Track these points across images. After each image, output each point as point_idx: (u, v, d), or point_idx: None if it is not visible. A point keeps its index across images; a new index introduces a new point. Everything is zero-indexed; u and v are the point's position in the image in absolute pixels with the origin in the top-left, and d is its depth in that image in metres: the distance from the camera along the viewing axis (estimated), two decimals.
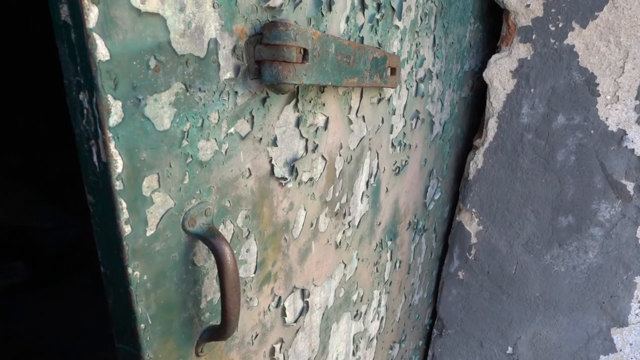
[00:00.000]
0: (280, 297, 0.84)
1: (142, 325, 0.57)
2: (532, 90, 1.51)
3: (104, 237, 0.53)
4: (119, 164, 0.49)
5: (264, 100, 0.67)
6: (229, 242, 0.65)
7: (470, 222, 1.73)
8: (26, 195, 2.93)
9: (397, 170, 1.23)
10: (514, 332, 1.77)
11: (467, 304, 1.84)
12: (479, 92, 1.77)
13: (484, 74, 1.57)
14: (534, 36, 1.47)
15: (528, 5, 1.45)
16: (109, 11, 0.44)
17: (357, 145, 0.99)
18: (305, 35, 0.62)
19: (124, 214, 0.51)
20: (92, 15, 0.43)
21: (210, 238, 0.60)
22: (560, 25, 1.42)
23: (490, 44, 1.73)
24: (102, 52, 0.44)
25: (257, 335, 0.81)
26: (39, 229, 2.93)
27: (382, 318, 1.44)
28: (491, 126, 1.60)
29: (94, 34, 0.43)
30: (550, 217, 1.59)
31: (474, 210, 1.71)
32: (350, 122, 0.93)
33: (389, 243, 1.33)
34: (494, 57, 1.55)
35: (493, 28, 1.70)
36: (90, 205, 0.52)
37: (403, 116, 1.17)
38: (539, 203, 1.59)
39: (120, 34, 0.45)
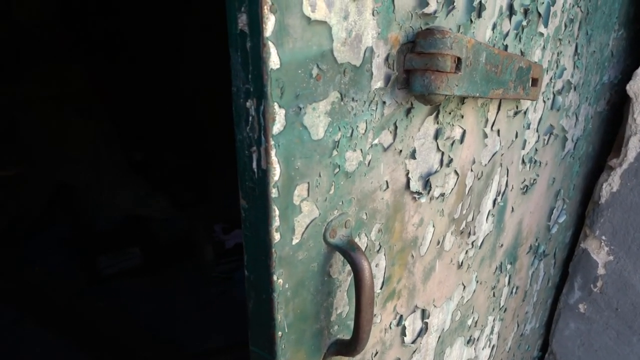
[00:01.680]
0: (401, 316, 0.81)
1: (280, 333, 0.57)
2: None
3: (253, 243, 0.54)
4: (276, 172, 0.49)
5: (408, 111, 0.65)
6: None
7: (598, 251, 1.55)
8: (145, 188, 3.22)
9: (525, 189, 1.13)
10: None
11: (588, 340, 1.65)
12: (615, 107, 1.58)
13: (627, 87, 1.39)
14: None
15: None
16: (284, 19, 0.44)
17: (489, 161, 0.92)
18: (460, 43, 0.58)
19: (276, 222, 0.51)
20: (270, 24, 0.43)
21: (349, 251, 0.58)
22: None
23: (634, 53, 1.54)
24: (274, 60, 0.44)
25: (376, 353, 0.78)
26: (153, 219, 3.20)
27: (493, 346, 1.33)
28: (632, 145, 1.42)
29: (269, 42, 0.43)
30: None
31: (603, 237, 1.52)
32: (485, 135, 0.87)
33: (509, 267, 1.23)
34: None
35: (637, 35, 1.52)
36: (242, 210, 0.53)
37: (537, 131, 1.08)
38: None
39: (290, 43, 0.45)
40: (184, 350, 2.35)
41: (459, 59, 0.60)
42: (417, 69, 0.59)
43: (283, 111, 0.47)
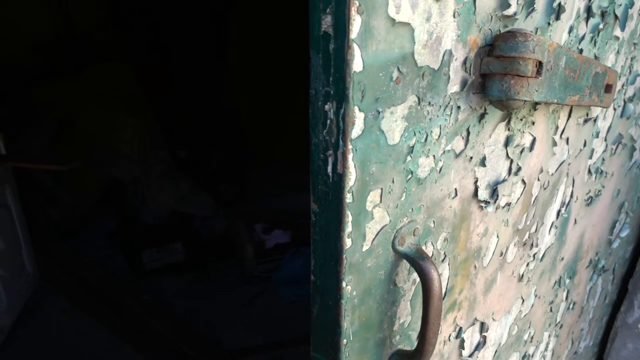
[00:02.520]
0: (461, 328, 0.78)
1: (345, 341, 0.56)
2: None
3: (322, 247, 0.53)
4: (352, 177, 0.47)
5: (481, 117, 0.62)
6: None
7: None
8: (188, 185, 3.30)
9: (589, 200, 1.08)
10: None
11: None
12: None
13: None
14: None
15: None
16: (369, 21, 0.43)
17: (556, 170, 0.88)
18: (543, 46, 0.56)
19: (348, 227, 0.50)
20: (355, 26, 0.42)
21: (418, 260, 0.56)
22: None
23: None
24: (357, 63, 0.43)
25: None
26: (195, 217, 3.27)
27: None
28: None
29: (354, 44, 0.42)
30: None
31: None
32: (554, 143, 0.82)
33: (567, 281, 1.17)
34: None
35: None
36: (313, 214, 0.52)
37: (605, 140, 1.02)
38: None
39: (374, 45, 0.44)
40: (222, 348, 2.38)
41: (540, 63, 0.57)
42: (495, 73, 0.57)
43: (362, 115, 0.46)
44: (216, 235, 3.29)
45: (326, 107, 0.46)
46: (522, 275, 0.92)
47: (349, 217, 0.49)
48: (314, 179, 0.50)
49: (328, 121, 0.47)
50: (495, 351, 0.93)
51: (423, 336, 0.57)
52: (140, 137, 3.21)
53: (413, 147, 0.53)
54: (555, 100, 0.63)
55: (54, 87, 3.58)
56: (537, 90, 0.57)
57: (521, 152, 0.74)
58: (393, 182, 0.52)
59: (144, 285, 2.82)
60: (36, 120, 3.47)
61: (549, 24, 0.66)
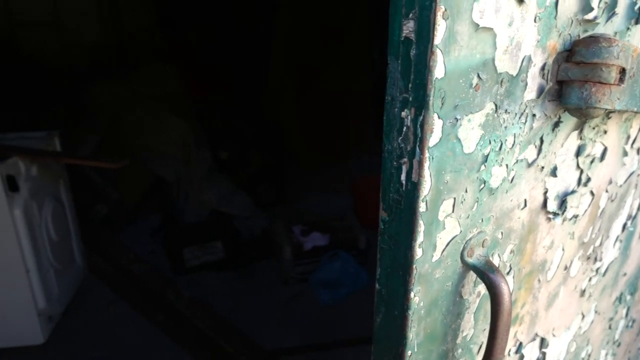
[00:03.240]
0: (521, 343, 0.75)
1: (409, 352, 0.54)
2: None
3: (390, 256, 0.52)
4: (427, 186, 0.46)
5: (555, 125, 0.60)
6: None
7: None
8: (229, 186, 3.35)
9: None
10: None
11: None
12: None
13: None
14: None
15: None
16: (453, 26, 0.42)
17: (625, 182, 0.83)
18: (627, 52, 0.53)
19: (420, 237, 0.48)
20: (440, 31, 0.41)
21: (488, 272, 0.54)
22: None
23: None
24: (439, 69, 0.42)
25: None
26: (235, 216, 3.32)
27: None
28: None
29: (438, 50, 0.41)
30: None
31: None
32: (625, 153, 0.78)
33: (628, 298, 1.11)
34: None
35: None
36: (382, 222, 0.51)
37: None
38: None
39: (457, 51, 0.43)
40: (260, 347, 2.40)
41: (623, 69, 0.54)
42: (573, 80, 0.54)
43: (441, 122, 0.45)
44: (255, 236, 3.32)
45: (403, 113, 0.45)
46: (584, 290, 0.88)
47: (421, 227, 0.48)
48: (385, 187, 0.50)
49: (404, 128, 0.46)
50: None
51: (490, 351, 0.56)
52: (185, 138, 3.30)
53: (487, 156, 0.51)
54: (635, 109, 0.60)
55: (104, 87, 3.73)
56: (618, 98, 0.54)
57: (591, 162, 0.71)
58: (466, 191, 0.51)
59: (184, 282, 2.88)
60: (88, 119, 3.63)
61: (628, 28, 0.63)
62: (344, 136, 4.86)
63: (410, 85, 0.44)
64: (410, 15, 0.42)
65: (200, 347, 2.36)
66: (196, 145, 3.35)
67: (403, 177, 0.47)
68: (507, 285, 0.53)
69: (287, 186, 4.00)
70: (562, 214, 0.69)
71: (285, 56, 4.95)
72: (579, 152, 0.67)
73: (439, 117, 0.44)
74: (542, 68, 0.53)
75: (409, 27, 0.42)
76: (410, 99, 0.44)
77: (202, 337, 2.38)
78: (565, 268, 0.77)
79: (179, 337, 2.42)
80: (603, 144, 0.71)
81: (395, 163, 0.48)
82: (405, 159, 0.46)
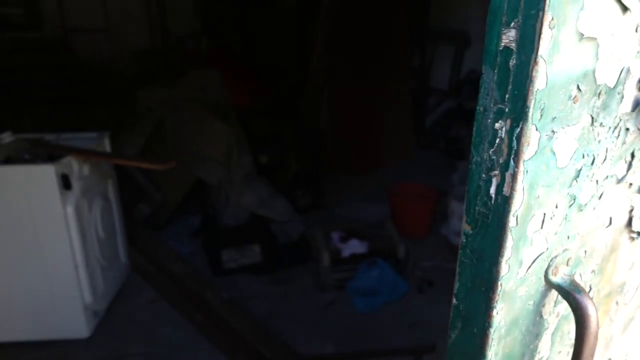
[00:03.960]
0: None
1: None
2: None
3: (472, 271, 0.50)
4: (519, 200, 0.45)
5: None
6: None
7: None
8: (268, 190, 3.39)
9: None
10: None
11: None
12: None
13: None
14: None
15: None
16: (558, 36, 0.40)
17: None
18: None
19: (507, 253, 0.47)
20: (545, 40, 0.39)
21: (573, 293, 0.52)
22: None
23: None
24: (541, 80, 0.41)
25: None
26: (273, 220, 3.34)
27: None
28: None
29: (542, 60, 0.40)
30: None
31: None
32: None
33: None
34: None
35: None
36: (464, 235, 0.50)
37: None
38: None
39: (559, 61, 0.41)
40: (295, 352, 2.40)
41: None
42: None
43: (538, 135, 0.43)
44: (292, 241, 3.34)
45: (497, 125, 0.44)
46: None
47: (509, 242, 0.46)
48: (471, 199, 0.48)
49: (497, 140, 0.44)
50: None
51: None
52: (227, 142, 3.35)
53: (580, 170, 0.49)
54: None
55: (150, 92, 3.85)
56: None
57: None
58: (556, 207, 0.49)
59: (222, 283, 2.92)
60: (135, 121, 3.75)
61: None
62: (382, 143, 4.83)
63: (507, 96, 0.42)
64: (512, 24, 0.40)
65: (238, 350, 2.37)
66: (237, 149, 3.40)
67: (492, 190, 0.46)
68: (595, 308, 0.51)
69: (324, 192, 4.00)
70: None
71: (324, 62, 4.98)
72: None
73: (536, 130, 0.42)
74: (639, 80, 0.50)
75: (509, 37, 0.41)
76: (507, 110, 0.43)
77: (240, 340, 2.40)
78: None
79: (217, 339, 2.45)
80: None
81: (484, 175, 0.46)
82: (497, 172, 0.45)
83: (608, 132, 0.50)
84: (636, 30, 0.47)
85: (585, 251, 0.57)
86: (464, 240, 0.50)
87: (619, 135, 0.52)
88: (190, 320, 2.57)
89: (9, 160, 2.21)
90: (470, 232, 0.49)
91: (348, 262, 2.88)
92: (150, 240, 3.11)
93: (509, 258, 0.47)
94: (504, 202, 0.45)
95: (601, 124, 0.49)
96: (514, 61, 0.41)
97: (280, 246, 3.27)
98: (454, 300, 0.53)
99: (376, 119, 4.78)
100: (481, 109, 0.45)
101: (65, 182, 2.15)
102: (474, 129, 0.46)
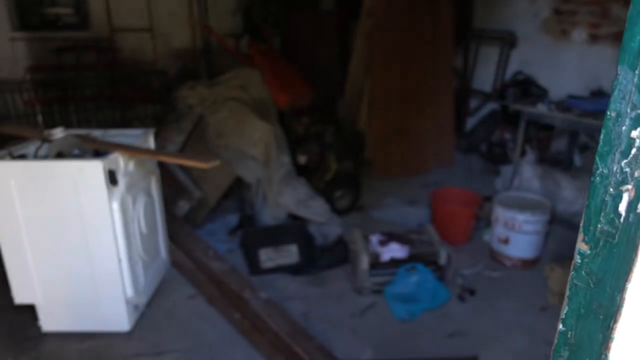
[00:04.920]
0: None
1: None
2: None
3: (587, 296, 0.45)
4: None
5: None
6: None
7: None
8: (307, 191, 3.37)
9: None
10: None
11: None
12: None
13: None
14: None
15: None
16: None
17: None
18: None
19: (636, 278, 0.41)
20: None
21: None
22: None
23: None
24: None
25: None
26: (311, 221, 3.32)
27: None
28: None
29: None
30: None
31: None
32: None
33: None
34: None
35: None
36: (579, 255, 0.45)
37: None
38: None
39: None
40: (334, 357, 2.36)
41: None
42: None
43: None
44: (329, 242, 3.30)
45: (634, 133, 0.38)
46: None
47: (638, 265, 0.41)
48: (592, 216, 0.43)
49: (633, 150, 0.39)
50: None
51: None
52: (267, 141, 3.35)
53: None
54: None
55: (192, 90, 3.90)
56: None
57: None
58: None
59: (260, 283, 2.91)
60: (176, 119, 3.81)
61: None
62: (423, 146, 4.74)
63: None
64: None
65: (275, 351, 2.36)
66: (277, 148, 3.39)
67: (623, 206, 0.40)
68: None
69: (363, 194, 3.95)
70: None
71: (364, 62, 4.92)
72: None
73: None
74: None
75: None
76: None
77: (277, 341, 2.38)
78: None
79: (254, 339, 2.44)
80: None
81: (612, 189, 0.41)
82: (630, 186, 0.39)
83: None
84: None
85: None
86: (579, 261, 0.45)
87: None
88: (227, 319, 2.58)
89: (60, 155, 2.27)
90: (588, 252, 0.44)
91: (387, 266, 2.82)
92: (190, 236, 3.14)
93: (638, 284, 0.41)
94: (638, 221, 0.39)
95: None
96: None
97: (318, 247, 3.24)
98: (561, 326, 0.48)
99: (418, 121, 4.69)
100: (613, 114, 0.40)
101: (112, 178, 2.19)
102: (602, 136, 0.41)
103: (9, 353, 2.30)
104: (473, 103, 5.48)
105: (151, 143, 2.73)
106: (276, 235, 3.11)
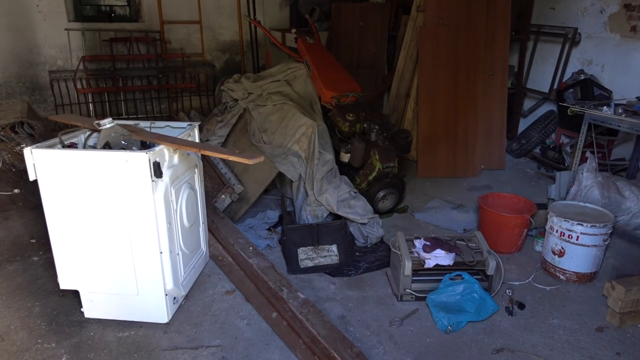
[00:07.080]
0: None
1: None
2: None
3: None
4: None
5: None
6: None
7: None
8: (349, 190, 3.27)
9: None
10: None
11: None
12: None
13: None
14: None
15: None
16: None
17: None
18: None
19: None
20: None
21: None
22: None
23: None
24: None
25: None
26: (352, 222, 3.22)
27: None
28: None
29: None
30: None
31: None
32: None
33: None
34: None
35: None
36: None
37: None
38: None
39: None
40: None
41: None
42: None
43: None
44: (370, 244, 3.20)
45: None
46: None
47: None
48: None
49: None
50: None
51: None
52: (310, 138, 3.28)
53: None
54: None
55: (238, 83, 3.89)
56: None
57: None
58: None
59: (298, 282, 2.86)
60: (220, 112, 3.81)
61: None
62: (471, 147, 4.53)
63: None
64: None
65: (311, 353, 2.29)
66: (320, 145, 3.32)
67: None
68: None
69: (407, 195, 3.82)
70: None
71: (413, 59, 4.75)
72: None
73: None
74: None
75: None
76: None
77: (314, 344, 2.31)
78: None
79: (290, 339, 2.38)
80: None
81: None
82: None
83: None
84: None
85: None
86: None
87: None
88: (264, 317, 2.53)
89: (107, 145, 2.29)
90: None
91: (431, 273, 2.69)
92: (230, 231, 3.13)
93: None
94: None
95: None
96: None
97: (358, 249, 3.15)
98: None
99: (467, 121, 4.49)
100: None
101: (157, 170, 2.18)
102: None
103: (53, 337, 2.35)
104: (527, 104, 5.20)
105: (196, 136, 2.71)
106: (316, 234, 3.04)
